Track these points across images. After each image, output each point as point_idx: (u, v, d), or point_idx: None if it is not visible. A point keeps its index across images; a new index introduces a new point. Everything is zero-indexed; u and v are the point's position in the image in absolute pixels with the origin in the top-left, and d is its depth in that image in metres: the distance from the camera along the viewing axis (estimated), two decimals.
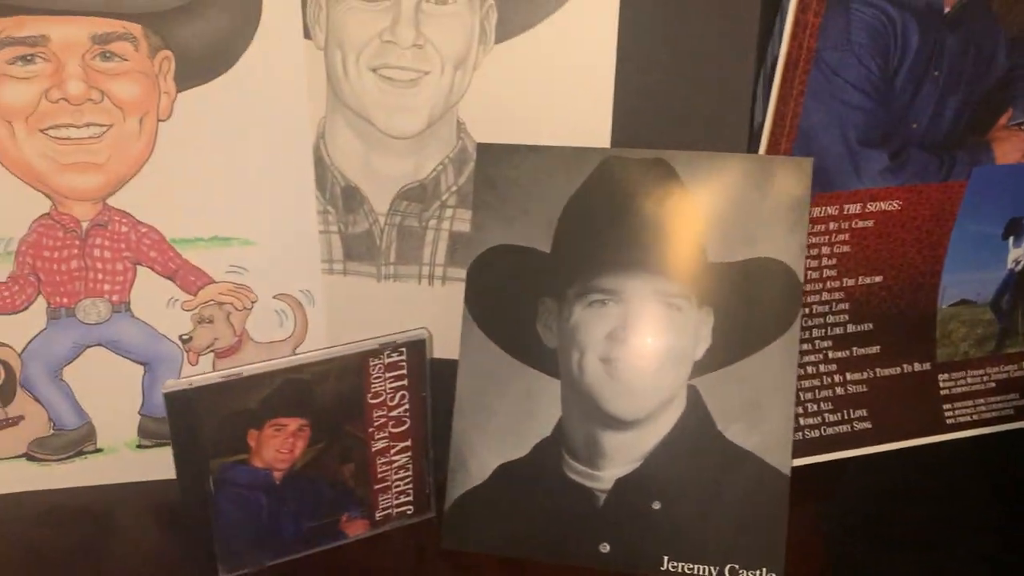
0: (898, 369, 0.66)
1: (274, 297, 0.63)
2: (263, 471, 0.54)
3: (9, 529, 0.61)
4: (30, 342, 0.61)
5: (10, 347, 0.61)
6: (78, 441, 0.63)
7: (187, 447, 0.51)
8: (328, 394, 0.54)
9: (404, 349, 0.55)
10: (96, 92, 0.57)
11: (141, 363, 0.62)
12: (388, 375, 0.55)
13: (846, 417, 0.65)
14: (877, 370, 0.65)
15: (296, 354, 0.63)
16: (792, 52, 0.52)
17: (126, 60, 0.57)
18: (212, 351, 0.63)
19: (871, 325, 0.65)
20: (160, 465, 0.64)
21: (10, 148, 0.57)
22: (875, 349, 0.65)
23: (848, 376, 0.65)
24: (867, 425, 0.65)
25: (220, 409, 0.51)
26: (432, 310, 0.62)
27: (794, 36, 0.52)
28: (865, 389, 0.65)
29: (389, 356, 0.55)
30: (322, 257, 0.63)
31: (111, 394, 0.63)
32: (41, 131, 0.57)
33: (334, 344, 0.63)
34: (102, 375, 0.62)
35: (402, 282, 0.63)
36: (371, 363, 0.55)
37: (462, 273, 0.61)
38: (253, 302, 0.62)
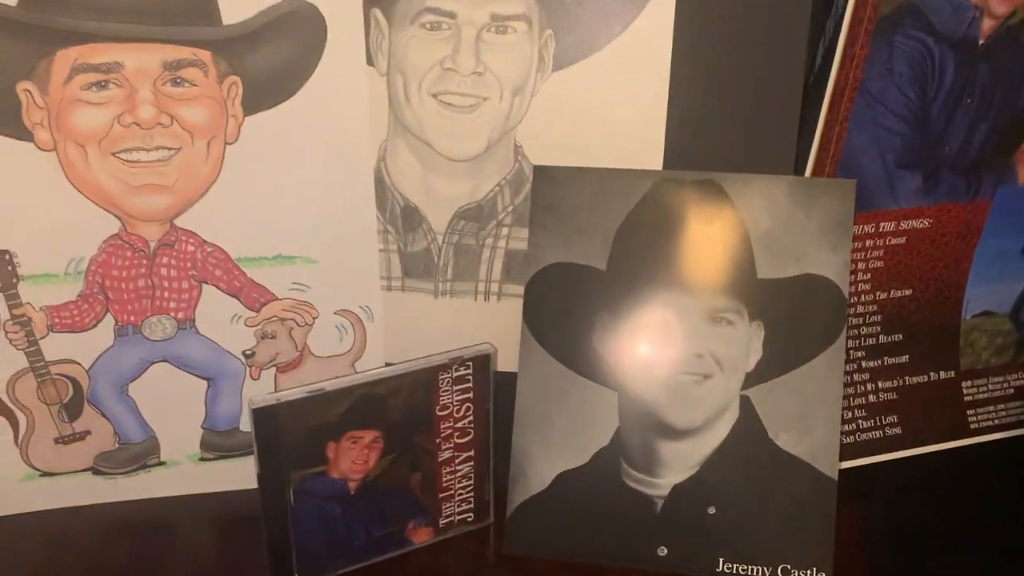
0: (925, 377, 0.70)
1: (335, 313, 0.65)
2: (339, 482, 0.56)
3: (76, 541, 0.62)
4: (98, 359, 0.63)
5: (78, 364, 0.62)
6: (142, 455, 0.65)
7: (270, 459, 0.53)
8: (400, 407, 0.56)
9: (471, 363, 0.58)
10: (166, 116, 0.59)
11: (205, 378, 0.64)
12: (455, 388, 0.58)
13: (879, 423, 0.68)
14: (906, 378, 0.69)
15: (358, 370, 0.66)
16: (839, 82, 0.56)
17: (195, 85, 0.59)
18: (274, 365, 0.65)
19: (901, 336, 0.68)
20: (222, 477, 0.66)
21: (83, 170, 0.59)
22: (904, 358, 0.69)
23: (880, 384, 0.68)
24: (898, 430, 0.69)
25: (302, 423, 0.53)
26: (488, 325, 0.65)
27: (842, 67, 0.55)
28: (895, 396, 0.69)
29: (457, 370, 0.58)
30: (381, 274, 0.65)
31: (175, 408, 0.64)
32: (113, 154, 0.59)
33: (391, 358, 0.66)
34: (166, 390, 0.64)
35: (458, 298, 0.65)
36: (440, 377, 0.57)
37: (517, 289, 0.64)
38: (315, 318, 0.65)
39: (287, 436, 0.53)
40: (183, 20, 0.58)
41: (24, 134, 0.58)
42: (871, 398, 0.68)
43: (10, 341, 0.61)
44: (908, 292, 0.67)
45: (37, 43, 0.56)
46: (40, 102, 0.57)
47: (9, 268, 0.59)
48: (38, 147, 0.58)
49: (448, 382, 0.58)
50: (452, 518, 0.61)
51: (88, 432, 0.64)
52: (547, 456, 0.60)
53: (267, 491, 0.53)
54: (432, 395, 0.57)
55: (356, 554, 0.58)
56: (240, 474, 0.65)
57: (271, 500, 0.54)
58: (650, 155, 0.61)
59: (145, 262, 0.62)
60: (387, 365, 0.65)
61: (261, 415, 0.52)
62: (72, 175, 0.59)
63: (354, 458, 0.56)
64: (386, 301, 0.65)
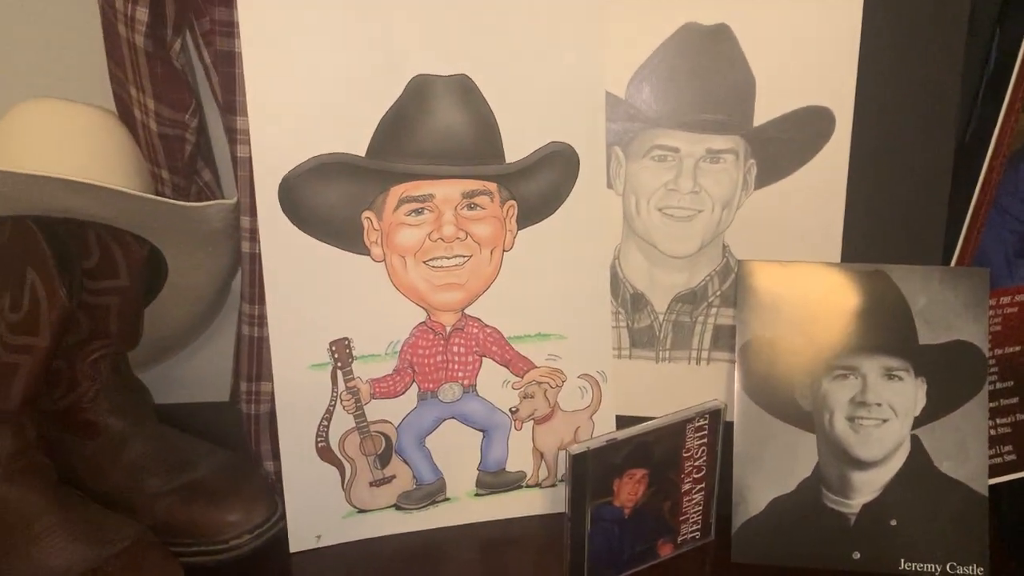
0: None
1: (578, 377, 0.83)
2: (619, 509, 0.73)
3: (383, 564, 0.79)
4: (404, 418, 0.80)
5: (390, 422, 0.80)
6: (433, 493, 0.82)
7: (578, 492, 0.70)
8: (660, 450, 0.74)
9: (708, 415, 0.76)
10: (462, 232, 0.77)
11: (481, 430, 0.82)
12: (696, 435, 0.76)
13: (998, 452, 0.86)
14: (1017, 415, 0.88)
15: (595, 422, 0.83)
16: (980, 199, 0.75)
17: (484, 209, 0.78)
18: (532, 419, 0.83)
19: (1013, 382, 0.87)
20: (491, 509, 0.83)
21: (402, 275, 0.77)
22: (1016, 400, 0.87)
23: (998, 420, 0.87)
24: (1013, 457, 0.87)
25: (600, 464, 0.71)
26: (699, 384, 0.83)
27: (983, 189, 0.75)
28: (1010, 430, 0.87)
29: (698, 421, 0.76)
30: (614, 345, 0.83)
31: (458, 455, 0.82)
32: (423, 262, 0.77)
33: (620, 411, 0.84)
34: (452, 441, 0.81)
35: (675, 363, 0.84)
36: (687, 427, 0.75)
37: (723, 356, 0.82)
38: (564, 381, 0.83)
39: (590, 474, 0.71)
40: (478, 161, 0.77)
41: (363, 250, 0.76)
42: (991, 432, 0.86)
43: (343, 407, 0.78)
44: (1018, 348, 0.86)
45: (377, 182, 0.75)
46: (376, 226, 0.76)
47: (347, 351, 0.77)
48: (372, 260, 0.76)
49: (692, 431, 0.76)
50: (687, 536, 0.79)
51: (394, 476, 0.81)
52: (762, 486, 0.78)
53: (574, 517, 0.71)
54: (681, 441, 0.75)
55: (623, 565, 0.75)
56: (505, 506, 0.83)
57: (576, 523, 0.71)
58: (831, 251, 0.80)
59: (442, 342, 0.80)
60: (617, 417, 0.84)
61: (576, 460, 0.69)
62: (394, 279, 0.77)
63: (630, 490, 0.74)
64: (617, 366, 0.84)
